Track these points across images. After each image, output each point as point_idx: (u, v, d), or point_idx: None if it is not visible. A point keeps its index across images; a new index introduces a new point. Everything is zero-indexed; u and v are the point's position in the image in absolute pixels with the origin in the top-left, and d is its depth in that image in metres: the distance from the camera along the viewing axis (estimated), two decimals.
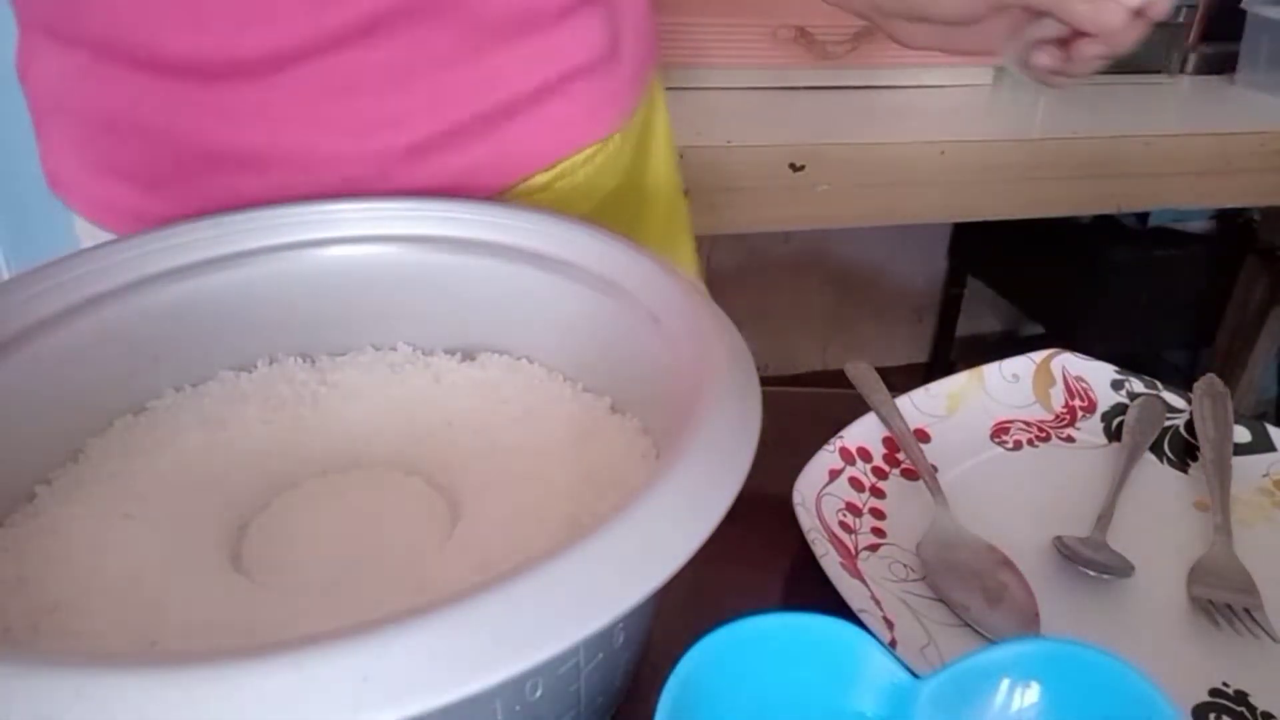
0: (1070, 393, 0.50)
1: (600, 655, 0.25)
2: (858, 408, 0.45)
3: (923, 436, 0.46)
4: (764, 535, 0.40)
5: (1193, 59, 1.39)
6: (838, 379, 0.50)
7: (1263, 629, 0.36)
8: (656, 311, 0.34)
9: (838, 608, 0.33)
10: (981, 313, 1.94)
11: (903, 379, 0.48)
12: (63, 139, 0.45)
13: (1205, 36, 1.40)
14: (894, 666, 0.25)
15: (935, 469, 0.43)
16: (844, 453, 0.43)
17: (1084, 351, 0.51)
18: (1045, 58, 0.43)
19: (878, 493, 0.42)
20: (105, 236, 0.44)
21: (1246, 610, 0.36)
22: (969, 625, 0.36)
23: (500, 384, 0.38)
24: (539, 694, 0.23)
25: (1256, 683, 0.34)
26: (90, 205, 0.46)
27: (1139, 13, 0.41)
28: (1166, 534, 0.41)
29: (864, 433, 0.44)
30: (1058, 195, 1.11)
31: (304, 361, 0.39)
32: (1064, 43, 0.43)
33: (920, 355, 1.96)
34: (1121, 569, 0.38)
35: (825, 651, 0.25)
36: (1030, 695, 0.24)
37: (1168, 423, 0.48)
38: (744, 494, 0.24)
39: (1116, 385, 0.50)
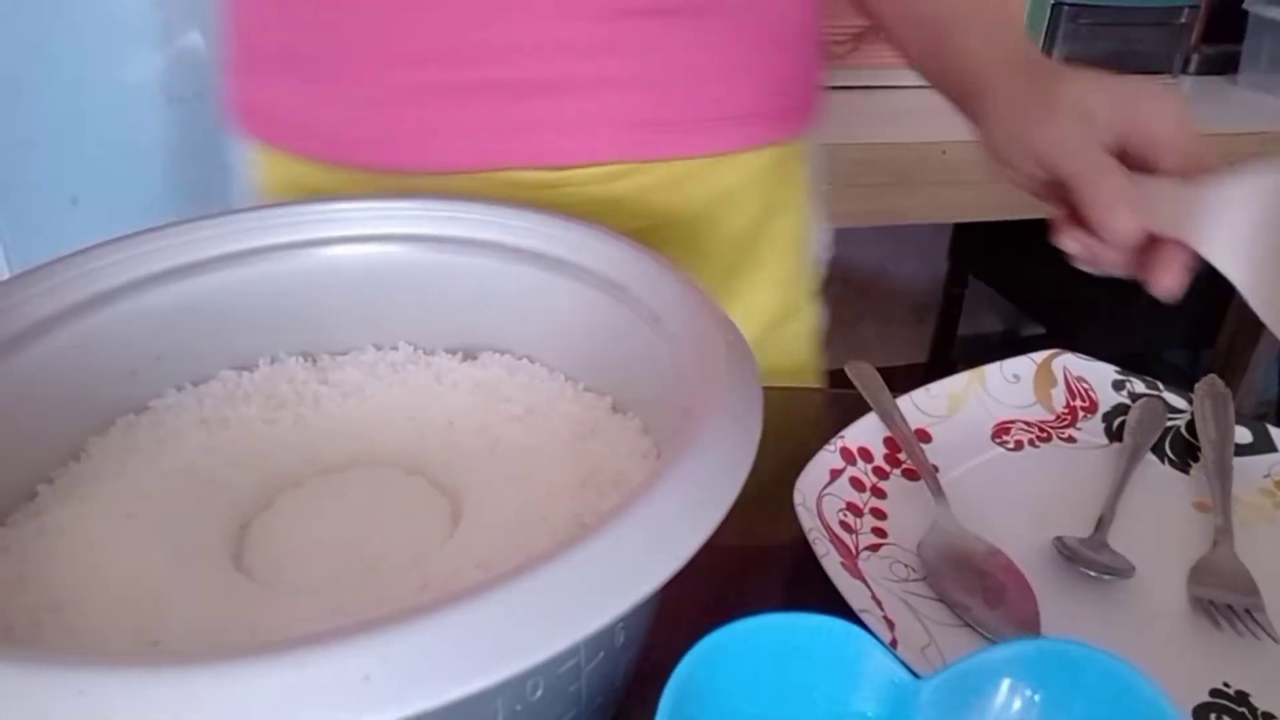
0: (1071, 393, 0.50)
1: (601, 655, 0.25)
2: (858, 408, 0.45)
3: (923, 437, 0.46)
4: (764, 535, 0.40)
5: (1195, 59, 1.39)
6: (838, 379, 0.50)
7: (1263, 629, 0.36)
8: (658, 311, 0.34)
9: (838, 608, 0.33)
10: (982, 313, 1.93)
11: (903, 379, 0.48)
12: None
13: (1207, 37, 1.40)
14: (894, 666, 0.25)
15: (936, 469, 0.43)
16: (845, 453, 0.43)
17: (1085, 352, 0.51)
18: (1074, 244, 0.40)
19: (879, 493, 0.42)
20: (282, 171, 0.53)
21: (1247, 611, 0.36)
22: (969, 625, 0.36)
23: (501, 383, 0.38)
24: (539, 694, 0.23)
25: (1257, 683, 0.34)
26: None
27: (1154, 245, 0.38)
28: (1167, 535, 0.41)
29: (865, 433, 0.44)
30: None
31: (305, 361, 0.39)
32: (1076, 218, 0.39)
33: (921, 355, 1.96)
34: (1122, 569, 0.38)
35: (826, 651, 0.25)
36: (1030, 695, 0.24)
37: (1169, 423, 0.48)
38: (744, 494, 0.24)
39: (1118, 386, 0.50)
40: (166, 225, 0.38)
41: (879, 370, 0.48)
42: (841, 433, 0.43)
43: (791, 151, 0.59)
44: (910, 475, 0.44)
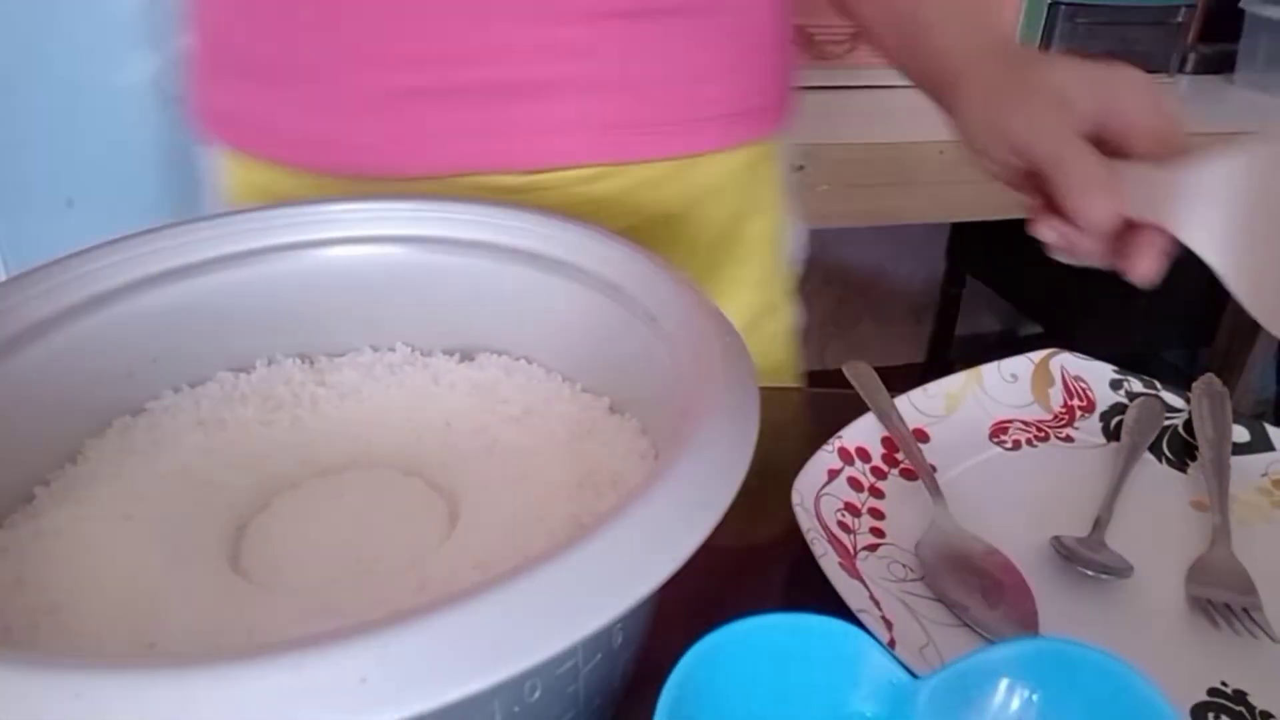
0: (1069, 392, 0.50)
1: (599, 656, 0.25)
2: (856, 408, 0.45)
3: (921, 436, 0.46)
4: (763, 535, 0.40)
5: (1191, 58, 1.39)
6: (837, 379, 0.50)
7: (1261, 628, 0.36)
8: (655, 311, 0.34)
9: (836, 608, 0.33)
10: (980, 312, 1.93)
11: (901, 379, 0.48)
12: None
13: (1204, 36, 1.40)
14: (893, 666, 0.25)
15: (934, 469, 0.43)
16: (843, 453, 0.43)
17: (1083, 351, 0.51)
18: (1050, 233, 0.39)
19: (876, 493, 0.42)
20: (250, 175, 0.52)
21: (1245, 610, 0.36)
22: (968, 625, 0.36)
23: (499, 384, 0.38)
24: (537, 695, 0.23)
25: (1255, 682, 0.34)
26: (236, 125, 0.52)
27: (1131, 231, 0.37)
28: (1165, 534, 0.41)
29: (863, 433, 0.44)
30: None
31: (302, 362, 0.39)
32: (1053, 206, 0.39)
33: (919, 355, 1.96)
34: (1120, 569, 0.38)
35: (824, 651, 0.25)
36: (1028, 695, 0.24)
37: (1166, 422, 0.48)
38: (742, 494, 0.24)
39: (1115, 385, 0.50)
40: (163, 227, 0.38)
41: (877, 370, 0.48)
42: (839, 433, 0.43)
43: (765, 151, 0.58)
44: (908, 475, 0.44)
